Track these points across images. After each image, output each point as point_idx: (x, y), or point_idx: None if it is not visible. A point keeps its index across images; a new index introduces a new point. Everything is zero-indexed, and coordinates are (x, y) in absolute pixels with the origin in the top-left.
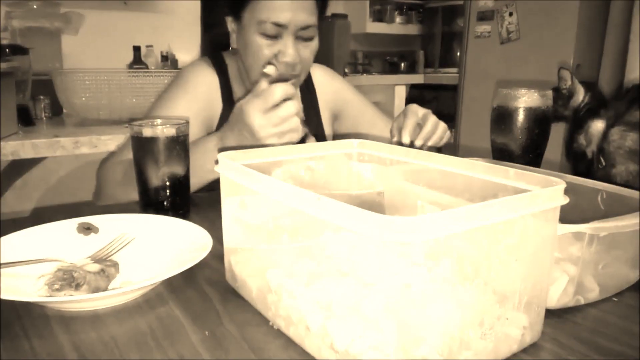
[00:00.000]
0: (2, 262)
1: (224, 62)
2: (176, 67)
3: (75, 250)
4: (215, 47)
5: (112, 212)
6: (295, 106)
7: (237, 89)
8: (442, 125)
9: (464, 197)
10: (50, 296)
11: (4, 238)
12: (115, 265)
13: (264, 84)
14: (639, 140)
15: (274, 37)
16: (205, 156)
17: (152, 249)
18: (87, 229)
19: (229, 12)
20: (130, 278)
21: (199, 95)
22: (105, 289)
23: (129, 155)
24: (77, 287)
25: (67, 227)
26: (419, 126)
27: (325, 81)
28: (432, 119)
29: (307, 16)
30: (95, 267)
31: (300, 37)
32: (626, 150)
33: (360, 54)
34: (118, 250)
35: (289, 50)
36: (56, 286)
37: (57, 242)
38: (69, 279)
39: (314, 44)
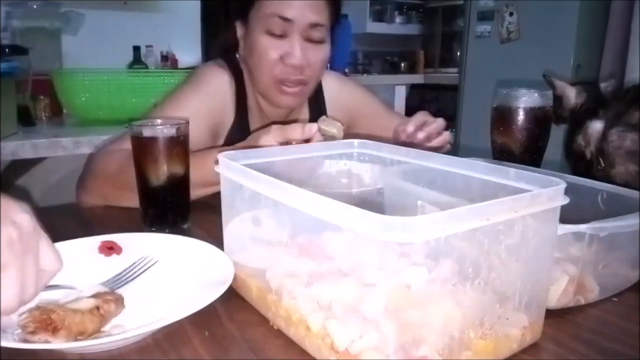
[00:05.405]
0: None
1: (239, 68)
2: (176, 67)
3: (90, 274)
4: (223, 51)
5: (114, 211)
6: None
7: (251, 99)
8: (446, 132)
9: (464, 197)
10: (25, 340)
11: None
12: (117, 300)
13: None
14: (638, 140)
15: (280, 35)
16: (206, 168)
17: (169, 280)
18: (109, 248)
19: (238, 15)
20: (135, 313)
21: (212, 97)
22: (96, 331)
23: (125, 145)
24: (55, 331)
25: (86, 246)
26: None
27: (337, 93)
28: (440, 120)
29: (315, 13)
30: (90, 303)
31: (309, 38)
32: (625, 150)
33: (360, 54)
34: (133, 279)
35: (296, 51)
36: (30, 328)
37: (72, 263)
38: (45, 320)
39: (324, 48)
